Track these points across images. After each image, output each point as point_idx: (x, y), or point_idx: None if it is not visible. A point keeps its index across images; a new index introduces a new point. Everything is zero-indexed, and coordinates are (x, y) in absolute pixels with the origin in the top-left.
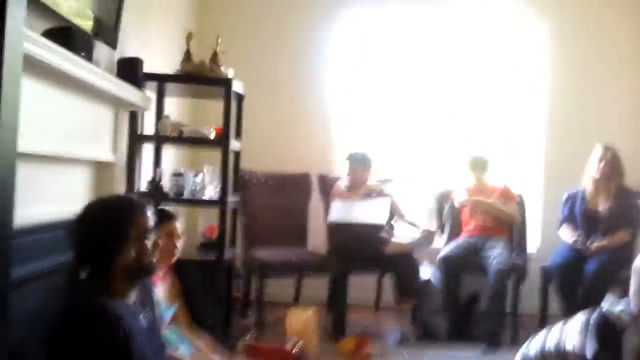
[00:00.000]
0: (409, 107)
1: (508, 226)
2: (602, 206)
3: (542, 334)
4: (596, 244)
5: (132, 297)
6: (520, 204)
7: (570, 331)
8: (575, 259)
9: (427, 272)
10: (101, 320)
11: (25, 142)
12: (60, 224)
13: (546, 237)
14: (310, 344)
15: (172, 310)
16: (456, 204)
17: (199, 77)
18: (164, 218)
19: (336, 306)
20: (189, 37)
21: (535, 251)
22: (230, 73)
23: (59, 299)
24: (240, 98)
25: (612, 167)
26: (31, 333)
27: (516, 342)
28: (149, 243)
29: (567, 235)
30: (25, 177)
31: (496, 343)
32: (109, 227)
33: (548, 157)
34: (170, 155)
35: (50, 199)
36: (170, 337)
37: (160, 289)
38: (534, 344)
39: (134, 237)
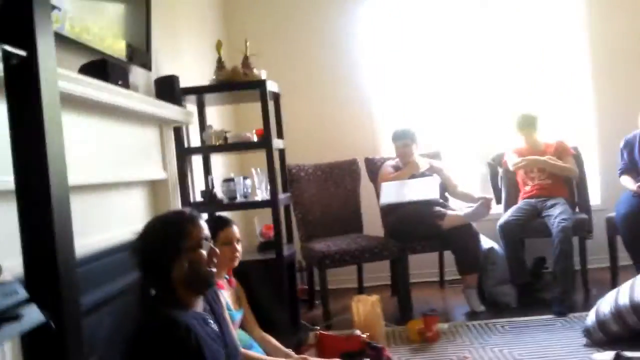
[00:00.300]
0: (450, 77)
1: (567, 183)
2: None
3: (613, 292)
4: None
5: (200, 306)
6: (577, 157)
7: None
8: (639, 207)
9: (488, 241)
10: (172, 332)
11: (77, 176)
12: (124, 246)
13: (608, 188)
14: (377, 329)
15: (241, 313)
16: (510, 167)
17: (233, 83)
18: (220, 225)
19: (400, 288)
20: (218, 46)
21: (599, 203)
22: (263, 74)
23: (132, 318)
24: (276, 97)
25: None
26: (109, 355)
27: (588, 300)
28: (203, 253)
29: (629, 182)
30: (85, 208)
31: (568, 304)
32: (161, 242)
33: (599, 106)
34: (219, 163)
35: (112, 223)
36: (241, 339)
37: (227, 294)
38: (606, 301)
39: (186, 248)
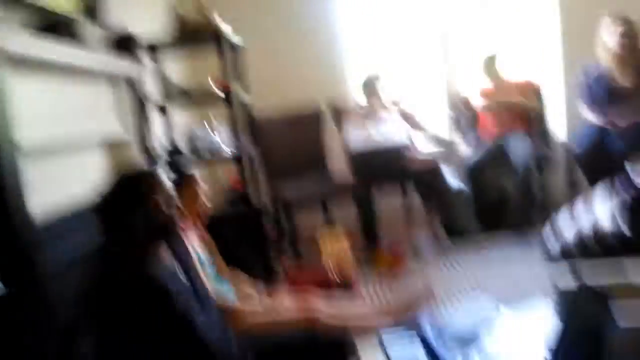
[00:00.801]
0: (415, 20)
1: (529, 119)
2: (630, 81)
3: (566, 214)
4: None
5: (167, 258)
6: (538, 94)
7: (601, 209)
8: (600, 137)
9: (454, 181)
10: (140, 282)
11: (33, 137)
12: (87, 206)
13: (572, 124)
14: (345, 262)
15: (210, 260)
16: (479, 110)
17: (190, 35)
18: (186, 180)
19: (366, 219)
20: None
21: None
22: (223, 25)
23: (99, 276)
24: (237, 50)
25: (632, 39)
26: (79, 313)
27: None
28: (160, 198)
29: (590, 114)
30: (42, 171)
31: (528, 230)
32: (119, 196)
33: (565, 41)
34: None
35: (73, 185)
36: (210, 280)
37: (194, 241)
38: (566, 227)
39: (143, 196)
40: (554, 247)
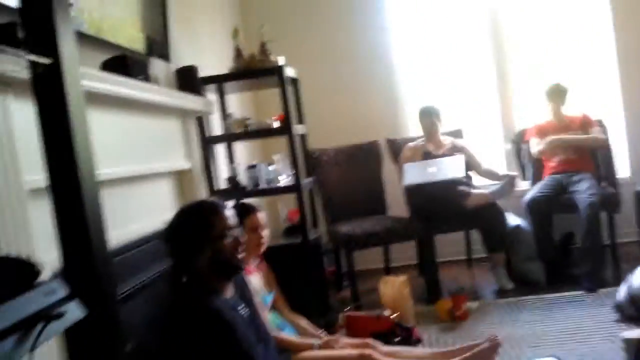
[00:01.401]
0: (470, 53)
1: (593, 157)
2: None
3: None
4: None
5: (230, 292)
6: (602, 128)
7: None
8: None
9: (514, 219)
10: (203, 316)
11: (106, 170)
12: (155, 235)
13: (637, 160)
14: (406, 310)
15: (271, 296)
16: (534, 154)
17: (251, 70)
18: (246, 212)
19: (426, 269)
20: (235, 33)
21: (628, 176)
22: (281, 60)
23: (165, 304)
24: (295, 82)
25: None
26: (145, 340)
27: (618, 275)
28: (228, 241)
29: None
30: (115, 200)
31: (598, 279)
32: (185, 233)
33: (624, 76)
34: (241, 150)
35: (142, 214)
36: (273, 321)
37: (256, 279)
38: (638, 275)
39: (210, 239)
40: (629, 310)
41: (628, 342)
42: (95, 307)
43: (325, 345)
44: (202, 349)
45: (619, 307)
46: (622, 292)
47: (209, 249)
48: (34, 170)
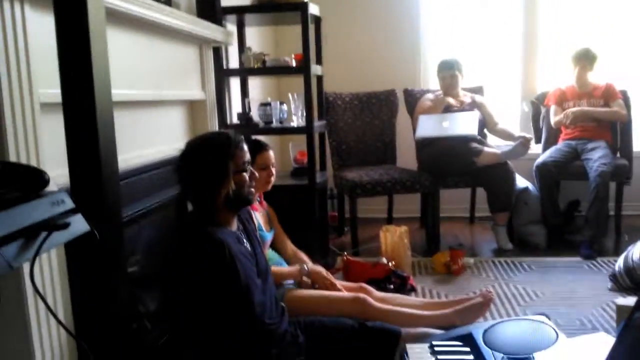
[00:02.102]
0: (499, 9)
1: (611, 127)
2: None
3: None
4: None
5: (235, 225)
6: (625, 100)
7: None
8: None
9: (523, 181)
10: (209, 247)
11: (118, 91)
12: (164, 163)
13: None
14: (403, 259)
15: (271, 234)
16: (553, 124)
17: (275, 3)
18: (258, 149)
19: (429, 221)
20: None
21: None
22: None
23: (169, 230)
24: (318, 21)
25: None
26: (148, 261)
27: (619, 245)
28: (246, 176)
29: None
30: (125, 124)
31: (597, 248)
32: (210, 164)
33: None
34: (256, 86)
35: (152, 140)
36: (271, 259)
37: (258, 215)
38: (637, 249)
39: (232, 171)
40: (625, 281)
41: (621, 309)
42: (100, 225)
43: (313, 272)
44: (203, 277)
45: (614, 277)
46: (619, 262)
47: (229, 182)
48: (49, 84)
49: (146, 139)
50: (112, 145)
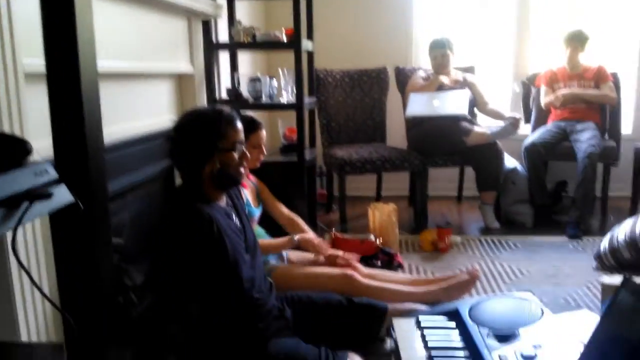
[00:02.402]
0: None
1: (600, 108)
2: None
3: (630, 220)
4: None
5: (223, 200)
6: (615, 83)
7: None
8: None
9: (512, 161)
10: (196, 222)
11: (105, 62)
12: (150, 137)
13: None
14: (391, 237)
15: (259, 210)
16: (543, 105)
17: None
18: (252, 128)
19: (417, 199)
20: None
21: (630, 133)
22: None
23: (156, 205)
24: None
25: None
26: (134, 235)
27: (604, 226)
28: (235, 155)
29: None
30: (111, 96)
31: (583, 228)
32: (197, 139)
33: None
34: (246, 60)
35: (139, 114)
36: (259, 233)
37: (247, 192)
38: (623, 229)
39: (220, 149)
40: (610, 261)
41: (606, 287)
42: (84, 197)
43: (303, 241)
44: (192, 252)
45: (599, 257)
46: (604, 242)
47: (217, 160)
48: (33, 54)
49: (132, 112)
50: (98, 117)
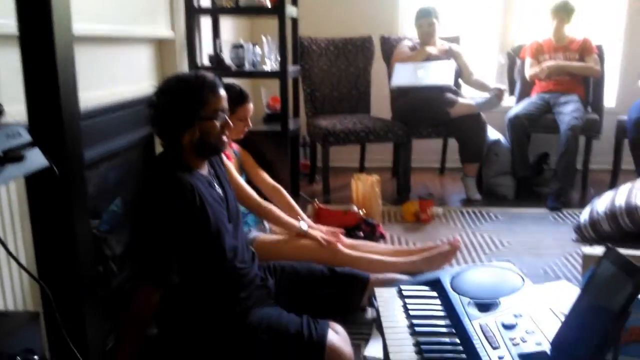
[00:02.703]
0: None
1: (584, 81)
2: None
3: (610, 192)
4: None
5: (206, 168)
6: (600, 56)
7: None
8: None
9: (495, 133)
10: (176, 190)
11: (81, 25)
12: (129, 103)
13: (625, 91)
14: (374, 208)
15: (242, 179)
16: (528, 77)
17: None
18: (240, 101)
19: (400, 171)
20: None
21: (613, 106)
22: None
23: (136, 173)
24: None
25: None
26: (108, 204)
27: (585, 199)
28: (217, 124)
29: None
30: (89, 61)
31: (564, 200)
32: (176, 107)
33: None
34: (228, 26)
35: (117, 80)
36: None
37: (230, 161)
38: (603, 201)
39: (201, 117)
40: (589, 233)
41: (587, 257)
42: (60, 162)
43: (310, 236)
44: (173, 222)
45: (579, 229)
46: (584, 215)
47: (197, 128)
48: (5, 13)
49: (111, 78)
50: (73, 82)
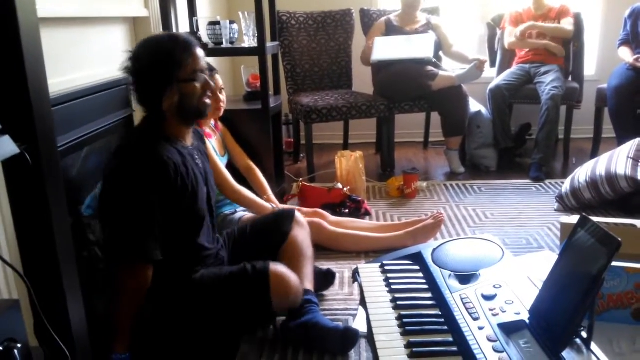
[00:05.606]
0: None
1: (565, 51)
2: None
3: (592, 161)
4: None
5: (189, 140)
6: (578, 21)
7: (621, 155)
8: (633, 81)
9: (476, 104)
10: (152, 168)
11: (47, 6)
12: (103, 86)
13: (605, 60)
14: (358, 184)
15: (226, 158)
16: (507, 46)
17: None
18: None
19: (383, 146)
20: None
21: (593, 74)
22: None
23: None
24: None
25: None
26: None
27: (567, 168)
28: (197, 86)
29: (626, 54)
30: (59, 43)
31: (546, 170)
32: (151, 70)
33: None
34: (204, 3)
35: (91, 62)
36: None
37: (213, 141)
38: (584, 170)
39: (180, 79)
40: (571, 201)
41: (564, 226)
42: (32, 151)
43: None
44: (152, 193)
45: (560, 198)
46: (566, 184)
47: (177, 91)
48: None
49: (84, 60)
50: (40, 66)
